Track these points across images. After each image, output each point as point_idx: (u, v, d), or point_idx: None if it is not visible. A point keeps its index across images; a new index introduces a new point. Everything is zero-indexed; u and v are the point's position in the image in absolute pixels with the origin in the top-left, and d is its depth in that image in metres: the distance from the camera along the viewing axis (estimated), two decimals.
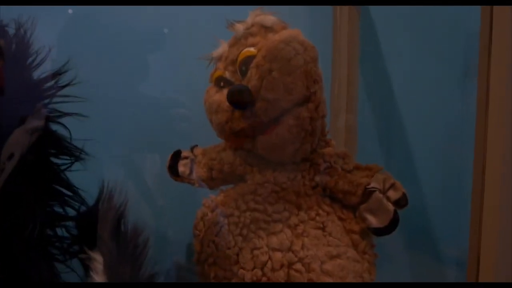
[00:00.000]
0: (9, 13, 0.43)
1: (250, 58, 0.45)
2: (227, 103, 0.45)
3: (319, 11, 0.74)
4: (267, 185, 0.48)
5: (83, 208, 0.45)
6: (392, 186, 0.44)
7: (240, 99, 0.44)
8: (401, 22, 0.75)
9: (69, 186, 0.44)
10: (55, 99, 0.43)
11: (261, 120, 0.45)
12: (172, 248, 0.67)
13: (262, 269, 0.43)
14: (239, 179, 0.51)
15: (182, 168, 0.55)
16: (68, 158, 0.44)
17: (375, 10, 0.75)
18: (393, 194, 0.44)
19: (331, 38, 0.73)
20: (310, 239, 0.44)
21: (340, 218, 0.46)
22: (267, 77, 0.43)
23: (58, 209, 0.44)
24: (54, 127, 0.43)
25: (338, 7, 0.73)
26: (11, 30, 0.41)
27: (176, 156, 0.56)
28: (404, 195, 0.44)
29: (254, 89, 0.43)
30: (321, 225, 0.45)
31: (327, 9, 0.73)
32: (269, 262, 0.43)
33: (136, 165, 0.66)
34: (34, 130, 0.41)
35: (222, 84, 0.48)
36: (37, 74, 0.43)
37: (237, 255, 0.45)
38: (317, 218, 0.46)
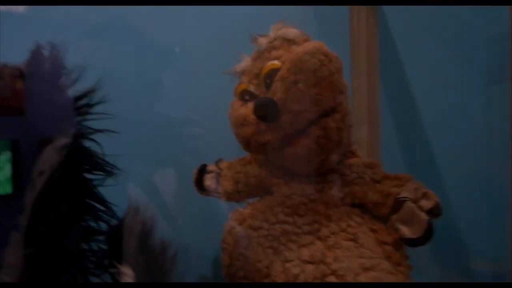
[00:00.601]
0: (43, 36, 0.44)
1: (274, 71, 0.46)
2: (252, 116, 0.46)
3: (334, 19, 0.75)
4: (294, 197, 0.47)
5: (113, 222, 0.46)
6: (425, 195, 0.43)
7: (266, 112, 0.44)
8: (421, 27, 0.75)
9: (102, 201, 0.45)
10: (86, 117, 0.44)
11: (287, 132, 0.45)
12: (196, 263, 0.67)
13: (294, 282, 0.42)
14: (266, 192, 0.51)
15: (208, 182, 0.55)
16: (100, 173, 0.45)
17: (392, 16, 0.75)
18: (426, 203, 0.43)
19: (347, 47, 0.73)
20: (342, 251, 0.43)
21: (371, 229, 0.45)
22: (292, 89, 0.43)
23: (92, 223, 0.44)
24: (87, 143, 0.44)
25: (354, 14, 0.73)
26: (46, 52, 0.43)
27: (202, 170, 0.56)
28: (437, 204, 0.43)
29: (280, 102, 0.44)
30: (353, 237, 0.44)
31: (344, 17, 0.73)
32: (301, 275, 0.42)
33: (154, 182, 0.66)
34: (63, 148, 0.42)
35: (246, 97, 0.49)
36: (69, 93, 0.44)
37: (268, 268, 0.44)
38: (348, 229, 0.45)
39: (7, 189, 0.41)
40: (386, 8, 0.75)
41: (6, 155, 0.42)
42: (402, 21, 0.75)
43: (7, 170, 0.42)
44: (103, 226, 0.46)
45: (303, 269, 0.43)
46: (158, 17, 0.71)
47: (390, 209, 0.45)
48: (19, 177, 0.42)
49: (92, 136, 0.45)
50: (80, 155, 0.44)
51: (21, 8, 0.65)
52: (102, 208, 0.45)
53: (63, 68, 0.44)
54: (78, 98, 0.44)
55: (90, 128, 0.44)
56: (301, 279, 0.42)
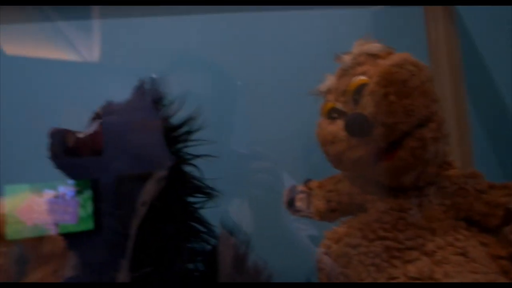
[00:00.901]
0: (142, 73, 0.49)
1: (362, 86, 0.46)
2: (343, 133, 0.46)
3: (410, 27, 0.74)
4: (392, 212, 0.46)
5: (213, 243, 0.48)
6: None
7: (358, 127, 0.44)
8: (501, 26, 0.71)
9: (203, 222, 0.47)
10: (186, 144, 0.47)
11: (381, 145, 0.44)
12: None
13: None
14: (359, 209, 0.50)
15: (299, 202, 0.55)
16: (201, 196, 0.47)
17: (470, 18, 0.72)
18: None
19: (426, 55, 0.71)
20: (452, 266, 0.40)
21: (481, 243, 0.43)
22: (383, 102, 0.43)
23: (195, 244, 0.47)
24: (187, 168, 0.47)
25: (431, 21, 0.71)
26: (147, 86, 0.47)
27: (292, 192, 0.57)
28: None
29: (371, 116, 0.44)
30: (462, 251, 0.42)
31: (419, 25, 0.72)
32: None
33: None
34: (161, 179, 0.45)
35: (334, 115, 0.49)
36: (170, 123, 0.48)
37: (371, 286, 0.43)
38: (456, 243, 0.42)
39: (89, 225, 0.45)
40: (462, 9, 0.72)
41: (88, 194, 0.45)
42: (481, 22, 0.72)
43: (89, 208, 0.45)
44: (204, 246, 0.48)
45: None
46: (225, 50, 0.74)
47: (500, 221, 0.42)
48: (99, 214, 0.45)
49: (192, 161, 0.47)
50: (182, 180, 0.47)
51: (96, 58, 0.72)
52: (203, 229, 0.47)
53: (164, 101, 0.48)
54: (178, 126, 0.47)
55: (190, 154, 0.47)
56: None
